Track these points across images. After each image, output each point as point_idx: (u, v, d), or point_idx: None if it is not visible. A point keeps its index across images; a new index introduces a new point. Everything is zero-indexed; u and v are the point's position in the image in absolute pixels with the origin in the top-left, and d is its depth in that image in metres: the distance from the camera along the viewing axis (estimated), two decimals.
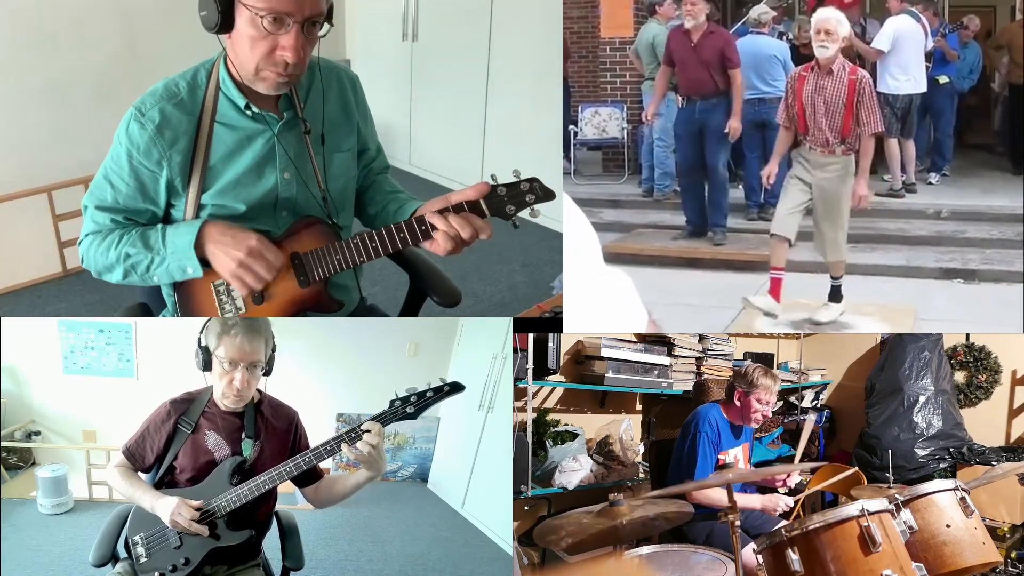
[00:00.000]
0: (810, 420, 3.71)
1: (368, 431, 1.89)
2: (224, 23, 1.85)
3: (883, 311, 3.95)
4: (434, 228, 1.86)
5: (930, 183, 5.45)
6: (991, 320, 3.97)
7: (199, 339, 2.01)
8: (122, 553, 2.04)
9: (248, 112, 1.98)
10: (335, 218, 2.07)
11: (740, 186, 5.39)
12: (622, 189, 5.79)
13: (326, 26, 1.91)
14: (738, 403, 2.90)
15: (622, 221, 5.20)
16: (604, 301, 1.35)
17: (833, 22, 3.51)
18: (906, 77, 5.10)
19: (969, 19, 5.70)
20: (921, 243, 4.68)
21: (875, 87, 5.00)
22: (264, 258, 1.93)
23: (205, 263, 1.96)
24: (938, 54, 5.34)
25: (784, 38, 5.44)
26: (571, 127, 5.99)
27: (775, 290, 3.76)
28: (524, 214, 1.87)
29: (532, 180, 1.86)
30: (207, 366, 2.00)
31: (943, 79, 5.40)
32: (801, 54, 5.13)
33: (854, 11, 5.67)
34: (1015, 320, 3.89)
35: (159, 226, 2.00)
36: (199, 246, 1.94)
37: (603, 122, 6.04)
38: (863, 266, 4.35)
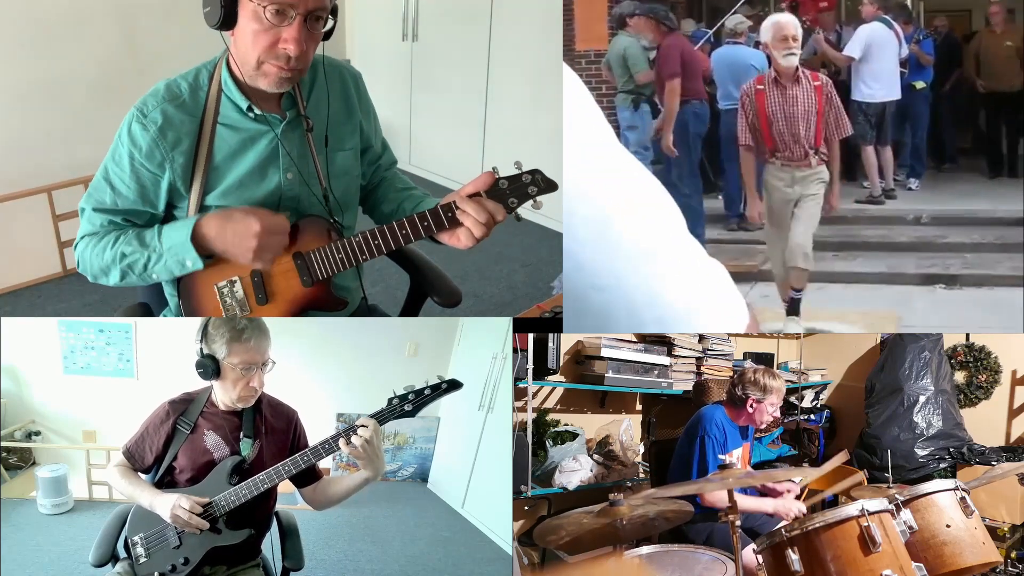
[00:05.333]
0: (842, 455, 3.38)
1: (364, 426, 1.89)
2: (227, 18, 1.84)
3: (866, 318, 3.95)
4: (460, 217, 1.85)
5: (909, 189, 5.44)
6: (974, 324, 4.00)
7: (200, 349, 1.97)
8: (122, 553, 2.04)
9: (251, 114, 1.97)
10: (337, 217, 2.06)
11: (720, 196, 5.37)
12: None
13: (330, 22, 1.90)
14: (750, 409, 2.90)
15: None
16: (702, 296, 1.15)
17: (793, 26, 3.35)
18: (879, 84, 5.07)
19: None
20: (902, 249, 4.65)
21: (849, 95, 5.02)
22: (271, 232, 1.92)
23: (206, 256, 1.95)
24: (913, 59, 5.31)
25: (759, 46, 5.40)
26: None
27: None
28: (527, 206, 1.86)
29: (534, 171, 1.85)
30: (216, 375, 1.97)
31: (919, 84, 5.37)
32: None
33: (830, 18, 5.63)
34: (996, 323, 3.91)
35: (155, 226, 1.99)
36: (200, 242, 1.93)
37: None
38: (845, 274, 4.32)
